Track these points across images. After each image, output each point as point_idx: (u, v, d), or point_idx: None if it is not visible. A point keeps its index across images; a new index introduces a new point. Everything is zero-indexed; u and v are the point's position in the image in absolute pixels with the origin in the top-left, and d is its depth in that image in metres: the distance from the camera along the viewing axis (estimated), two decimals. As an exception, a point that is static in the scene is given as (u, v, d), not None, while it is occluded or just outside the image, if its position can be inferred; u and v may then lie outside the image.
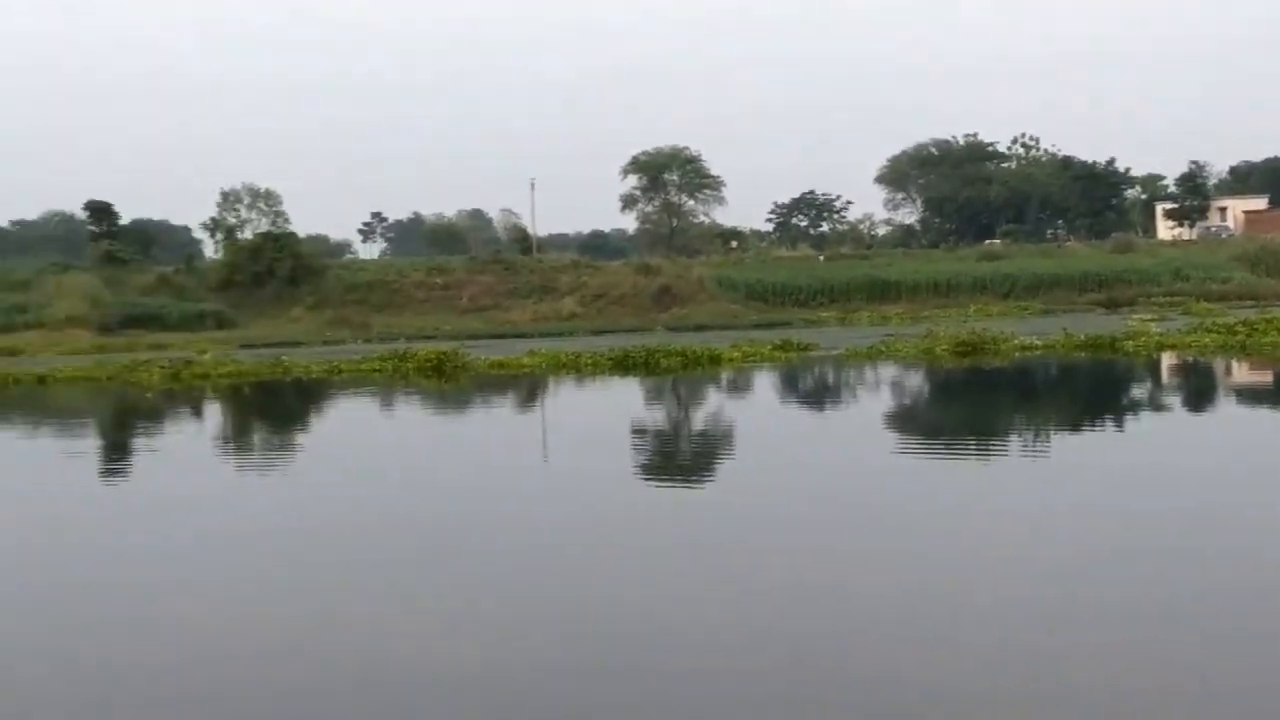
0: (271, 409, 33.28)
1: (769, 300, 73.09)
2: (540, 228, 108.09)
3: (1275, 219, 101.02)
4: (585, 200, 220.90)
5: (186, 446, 24.58)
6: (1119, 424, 23.29)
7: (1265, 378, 32.49)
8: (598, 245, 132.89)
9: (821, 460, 19.30)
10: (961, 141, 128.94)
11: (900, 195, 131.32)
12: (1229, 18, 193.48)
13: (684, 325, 61.48)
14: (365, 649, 9.61)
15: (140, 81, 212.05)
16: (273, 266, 75.73)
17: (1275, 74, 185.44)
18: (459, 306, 74.14)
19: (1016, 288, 72.83)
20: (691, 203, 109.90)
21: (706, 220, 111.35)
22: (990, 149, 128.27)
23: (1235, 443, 19.85)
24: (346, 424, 28.93)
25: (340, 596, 11.35)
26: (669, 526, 14.25)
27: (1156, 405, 26.49)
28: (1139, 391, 30.07)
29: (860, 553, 12.35)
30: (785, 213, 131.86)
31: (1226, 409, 26.08)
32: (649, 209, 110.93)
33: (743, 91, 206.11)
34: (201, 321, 68.65)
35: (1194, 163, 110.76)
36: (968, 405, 28.83)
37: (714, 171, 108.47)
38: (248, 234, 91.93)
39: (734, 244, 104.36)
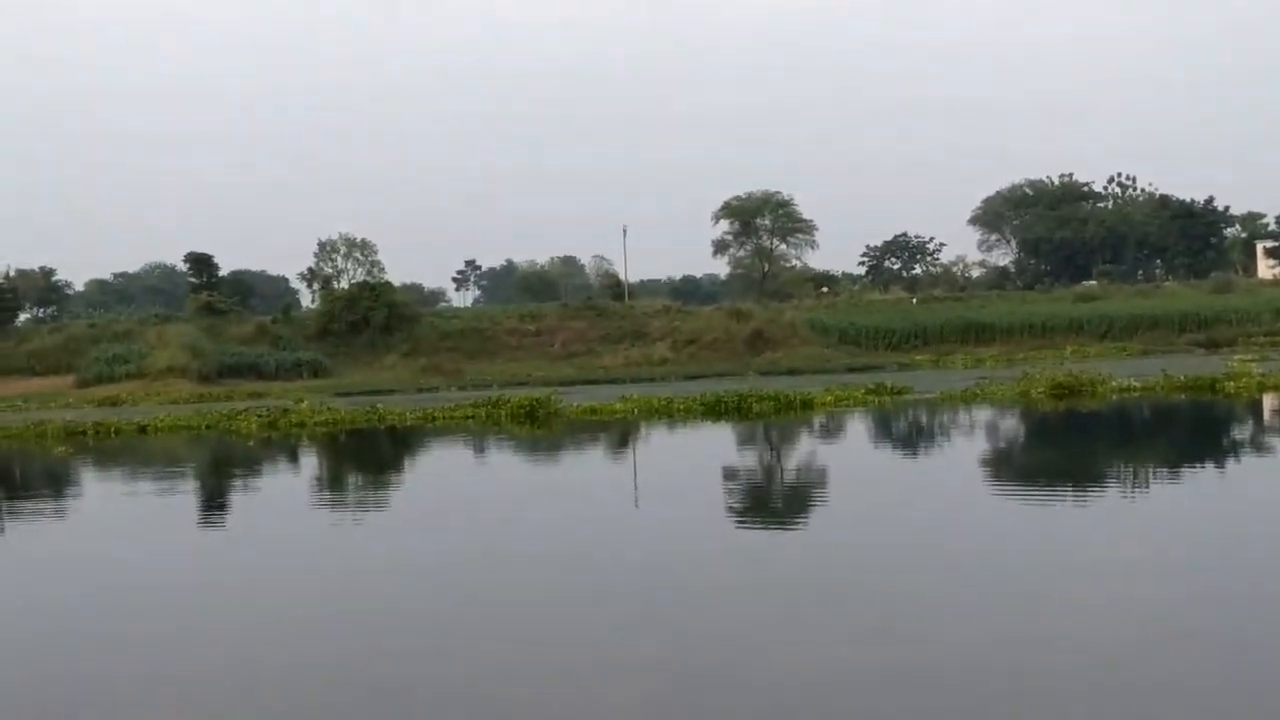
0: (365, 456, 33.59)
1: (862, 344, 72.74)
2: (632, 273, 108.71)
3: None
4: (678, 246, 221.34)
5: (282, 493, 24.89)
6: (1219, 468, 22.87)
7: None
8: (689, 290, 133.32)
9: (912, 506, 19.12)
10: (1056, 181, 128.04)
11: (994, 236, 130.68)
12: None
13: (776, 370, 61.37)
14: (472, 688, 9.70)
15: (238, 132, 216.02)
16: (368, 315, 76.74)
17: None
18: (551, 353, 74.59)
19: (1114, 329, 71.94)
20: (783, 247, 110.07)
21: (798, 264, 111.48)
22: (1086, 188, 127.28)
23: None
24: (439, 470, 29.12)
25: (444, 633, 11.46)
26: (757, 569, 14.17)
27: (1257, 448, 26.00)
28: (1238, 434, 29.50)
29: (953, 599, 12.21)
30: (878, 256, 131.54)
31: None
32: (741, 254, 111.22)
33: (836, 132, 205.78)
34: (298, 370, 69.72)
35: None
36: (1062, 449, 28.42)
37: (806, 215, 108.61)
38: (344, 284, 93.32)
39: (824, 289, 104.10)
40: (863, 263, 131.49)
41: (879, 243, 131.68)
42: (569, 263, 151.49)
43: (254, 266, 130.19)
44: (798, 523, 18.55)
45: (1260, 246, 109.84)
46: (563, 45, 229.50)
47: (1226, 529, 15.48)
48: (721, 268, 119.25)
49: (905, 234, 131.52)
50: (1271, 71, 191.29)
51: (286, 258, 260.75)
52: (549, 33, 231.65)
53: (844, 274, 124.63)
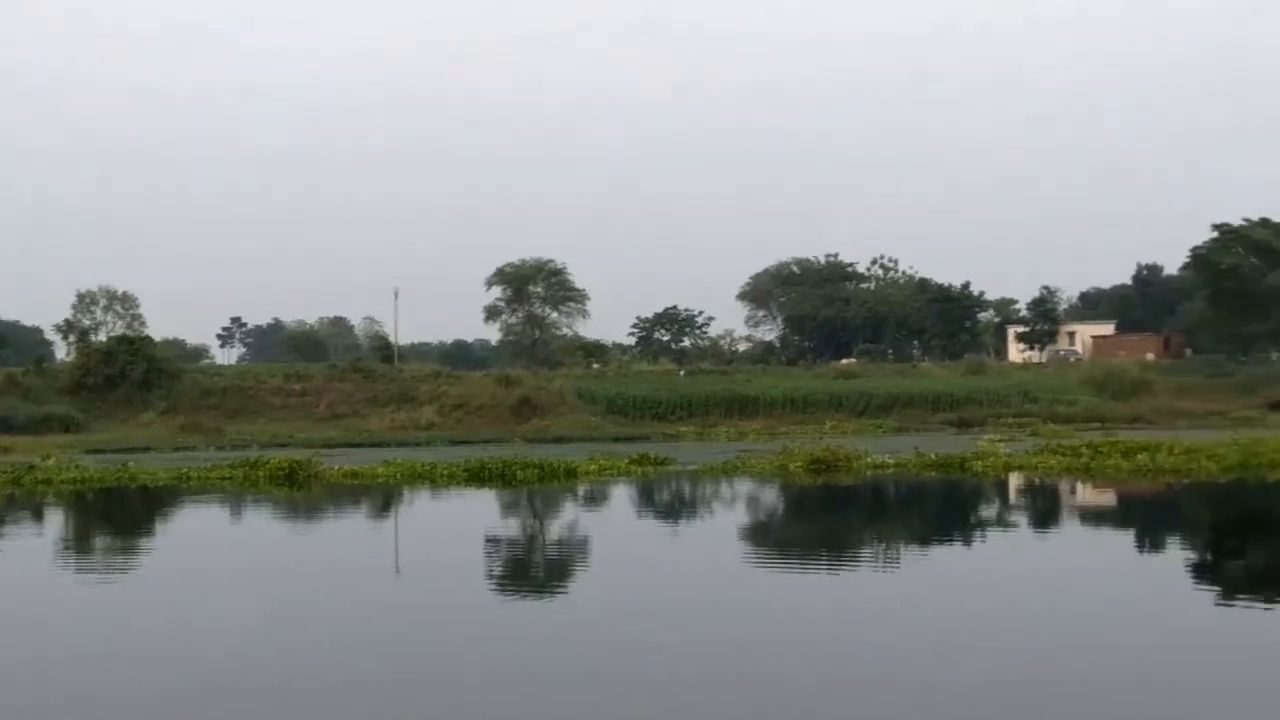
0: (111, 516, 32.46)
1: (629, 414, 73.33)
2: (403, 337, 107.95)
3: (1122, 344, 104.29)
4: (450, 310, 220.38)
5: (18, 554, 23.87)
6: (957, 544, 23.72)
7: (1104, 499, 33.29)
8: (460, 355, 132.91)
9: (656, 575, 19.32)
10: (822, 261, 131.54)
11: (761, 312, 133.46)
12: (1077, 159, 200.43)
13: (543, 437, 61.43)
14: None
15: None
16: (125, 370, 74.40)
17: (1122, 207, 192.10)
18: (316, 414, 73.36)
19: (871, 406, 73.98)
20: (555, 315, 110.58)
21: (569, 333, 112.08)
22: (850, 269, 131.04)
23: (1060, 561, 20.32)
24: (180, 533, 28.30)
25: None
26: (510, 637, 14.14)
27: (997, 525, 27.03)
28: (979, 512, 30.61)
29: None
30: (648, 327, 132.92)
31: (1063, 530, 26.62)
32: (512, 320, 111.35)
33: (609, 205, 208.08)
34: (48, 425, 66.98)
35: (1045, 288, 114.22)
36: (810, 522, 29.15)
37: (578, 285, 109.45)
38: (102, 336, 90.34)
39: (594, 364, 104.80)
40: (633, 333, 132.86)
41: (650, 314, 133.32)
42: (339, 323, 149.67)
43: (7, 316, 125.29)
44: (546, 592, 18.57)
45: (1011, 331, 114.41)
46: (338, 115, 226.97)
47: (956, 597, 16.05)
48: (493, 333, 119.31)
49: (675, 307, 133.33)
50: (1021, 170, 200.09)
51: (43, 309, 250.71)
52: (320, 111, 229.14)
53: (614, 344, 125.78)
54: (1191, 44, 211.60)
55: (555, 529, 27.73)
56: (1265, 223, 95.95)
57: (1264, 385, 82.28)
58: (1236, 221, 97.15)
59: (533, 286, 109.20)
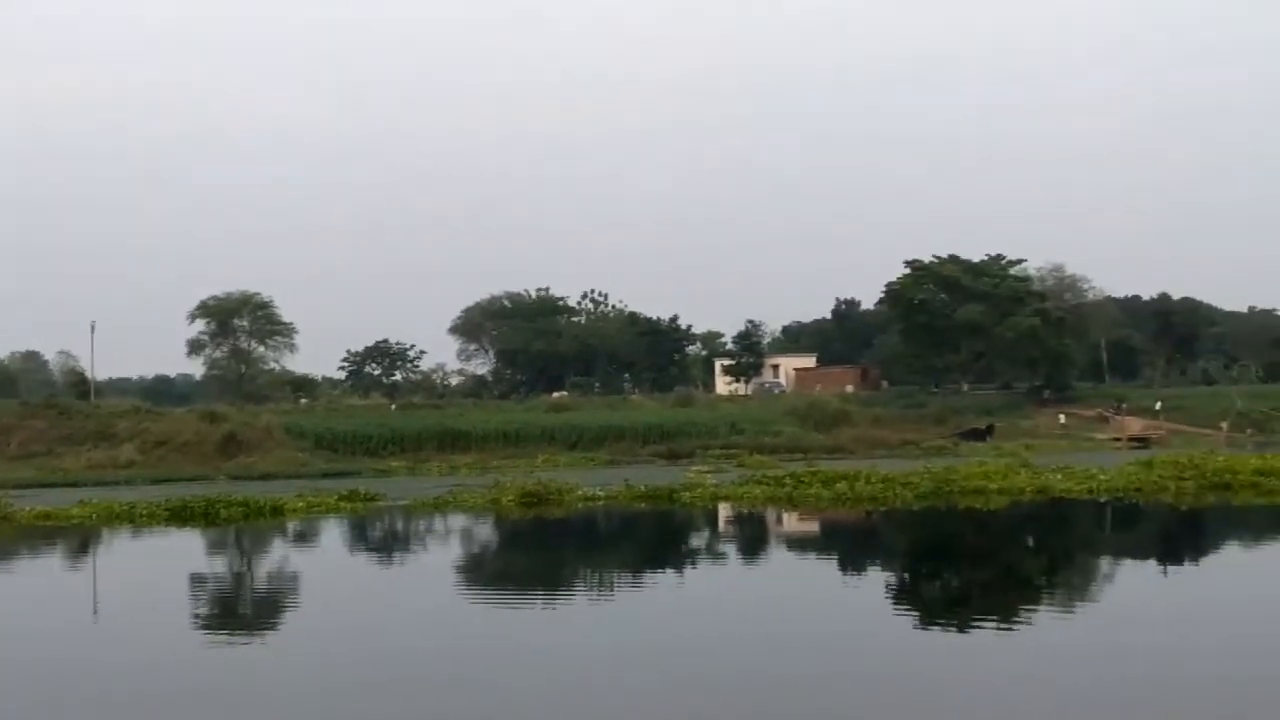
0: None
1: (339, 449, 71.96)
2: (101, 372, 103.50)
3: (823, 376, 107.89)
4: (151, 345, 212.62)
5: None
6: (667, 572, 24.16)
7: (807, 528, 34.37)
8: (163, 390, 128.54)
9: (351, 614, 19.10)
10: (534, 295, 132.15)
11: (473, 346, 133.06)
12: (779, 196, 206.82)
13: (249, 474, 59.75)
14: None
15: None
16: None
17: (818, 241, 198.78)
18: (7, 453, 69.66)
19: (584, 439, 74.41)
20: (262, 349, 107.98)
21: (277, 367, 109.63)
22: (561, 303, 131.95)
23: (765, 588, 20.90)
24: None
25: None
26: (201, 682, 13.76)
27: (706, 554, 27.62)
28: (687, 542, 31.23)
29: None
30: (358, 361, 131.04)
31: (770, 558, 27.38)
32: (217, 354, 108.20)
33: (318, 240, 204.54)
34: None
35: (750, 321, 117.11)
36: (522, 556, 29.24)
37: (285, 318, 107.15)
38: None
39: (303, 399, 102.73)
40: (343, 368, 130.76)
41: (360, 348, 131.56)
42: (31, 358, 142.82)
43: None
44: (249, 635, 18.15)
45: (718, 364, 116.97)
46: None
47: (665, 622, 16.34)
48: (197, 368, 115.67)
49: (386, 340, 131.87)
50: (722, 209, 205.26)
51: None
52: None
53: (324, 378, 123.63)
54: (876, 93, 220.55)
55: (261, 568, 27.10)
56: (954, 259, 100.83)
57: (954, 415, 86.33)
58: (928, 258, 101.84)
59: (238, 320, 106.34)
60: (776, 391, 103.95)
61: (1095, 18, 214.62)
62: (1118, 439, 74.06)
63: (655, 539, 31.99)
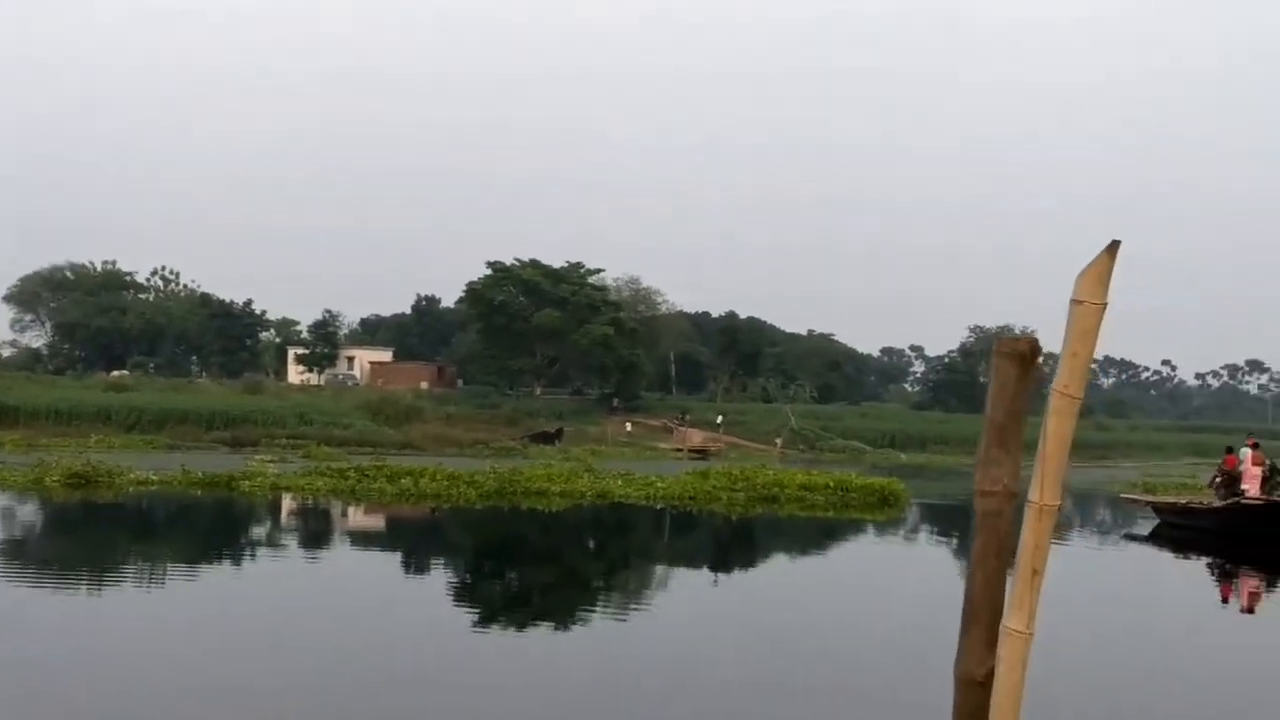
0: None
1: None
2: None
3: (398, 371, 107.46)
4: None
5: None
6: (219, 563, 23.33)
7: (370, 522, 33.98)
8: None
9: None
10: (99, 267, 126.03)
11: (29, 317, 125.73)
12: (367, 188, 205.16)
13: None
14: None
15: None
16: None
17: (401, 235, 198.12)
18: None
19: (143, 420, 71.28)
20: None
21: None
22: (128, 278, 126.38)
23: (319, 585, 20.47)
24: None
25: None
26: None
27: (267, 545, 26.84)
28: (245, 531, 30.35)
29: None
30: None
31: (332, 551, 26.87)
32: None
33: None
34: None
35: (328, 311, 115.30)
36: (63, 540, 27.68)
37: None
38: None
39: None
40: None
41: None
42: None
43: None
44: None
45: (292, 352, 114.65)
46: None
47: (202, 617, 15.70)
48: None
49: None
50: (306, 194, 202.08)
51: None
52: None
53: None
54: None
55: None
56: (535, 264, 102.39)
57: (527, 418, 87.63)
58: (510, 261, 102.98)
59: None
60: (350, 384, 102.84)
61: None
62: (680, 449, 76.65)
63: (206, 526, 30.90)
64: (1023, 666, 3.61)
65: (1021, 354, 3.79)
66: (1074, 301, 3.59)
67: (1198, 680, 14.58)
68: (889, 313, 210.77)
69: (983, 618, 3.68)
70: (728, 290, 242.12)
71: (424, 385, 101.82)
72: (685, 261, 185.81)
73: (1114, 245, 3.60)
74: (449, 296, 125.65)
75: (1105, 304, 3.59)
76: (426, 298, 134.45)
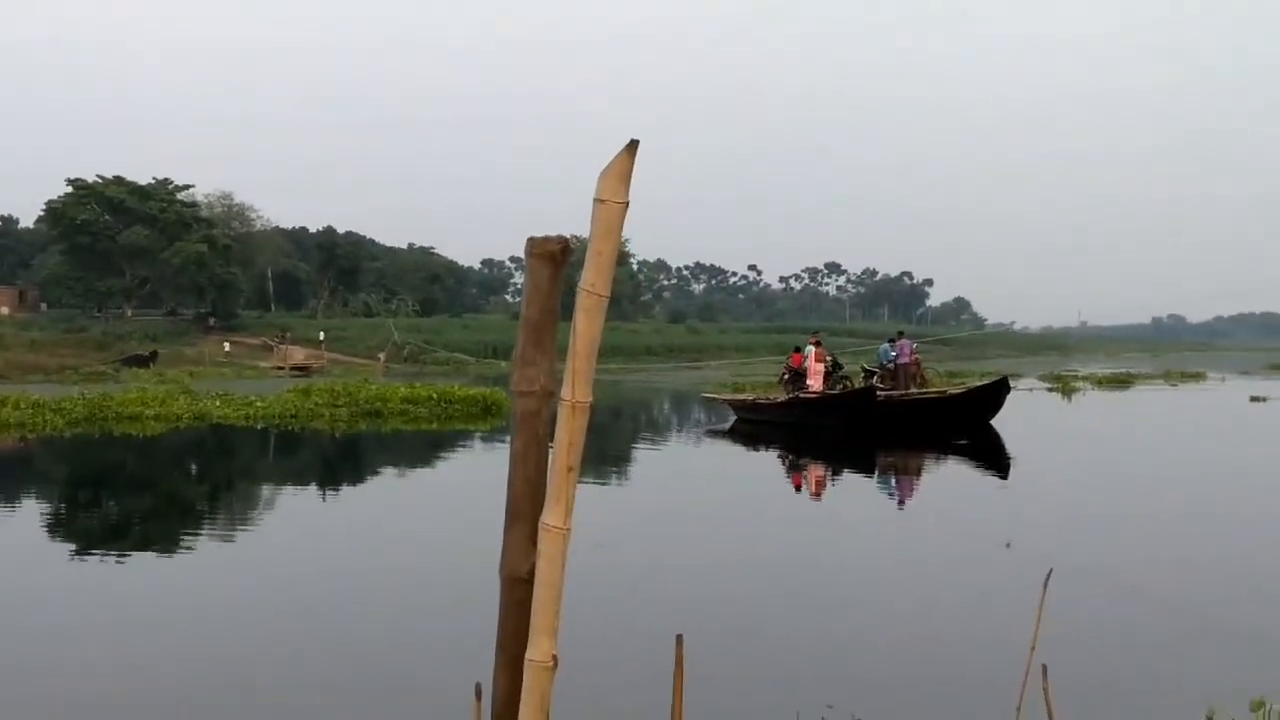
0: None
1: None
2: None
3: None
4: None
5: None
6: None
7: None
8: None
9: None
10: None
11: None
12: None
13: None
14: None
15: None
16: None
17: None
18: None
19: None
20: None
21: None
22: None
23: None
24: None
25: None
26: None
27: None
28: None
29: None
30: None
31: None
32: None
33: None
34: None
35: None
36: None
37: None
38: None
39: None
40: None
41: None
42: None
43: None
44: None
45: None
46: None
47: None
48: None
49: None
50: None
51: None
52: None
53: None
54: None
55: None
56: (120, 180, 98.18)
57: (118, 341, 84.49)
58: (92, 178, 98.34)
59: None
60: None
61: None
62: (281, 368, 75.74)
63: None
64: (562, 561, 3.69)
65: (553, 254, 3.83)
66: (597, 200, 3.58)
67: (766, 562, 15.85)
68: (489, 225, 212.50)
69: (525, 516, 3.81)
70: (326, 206, 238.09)
71: (4, 310, 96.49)
72: (280, 175, 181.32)
73: (633, 144, 3.56)
74: (27, 217, 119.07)
75: (627, 203, 3.57)
76: (3, 218, 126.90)
